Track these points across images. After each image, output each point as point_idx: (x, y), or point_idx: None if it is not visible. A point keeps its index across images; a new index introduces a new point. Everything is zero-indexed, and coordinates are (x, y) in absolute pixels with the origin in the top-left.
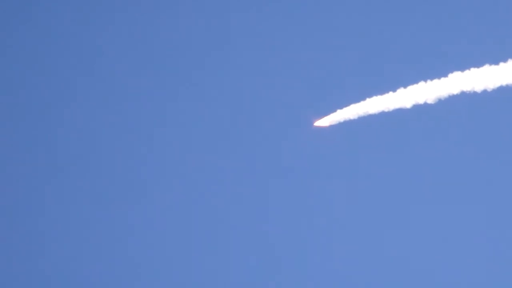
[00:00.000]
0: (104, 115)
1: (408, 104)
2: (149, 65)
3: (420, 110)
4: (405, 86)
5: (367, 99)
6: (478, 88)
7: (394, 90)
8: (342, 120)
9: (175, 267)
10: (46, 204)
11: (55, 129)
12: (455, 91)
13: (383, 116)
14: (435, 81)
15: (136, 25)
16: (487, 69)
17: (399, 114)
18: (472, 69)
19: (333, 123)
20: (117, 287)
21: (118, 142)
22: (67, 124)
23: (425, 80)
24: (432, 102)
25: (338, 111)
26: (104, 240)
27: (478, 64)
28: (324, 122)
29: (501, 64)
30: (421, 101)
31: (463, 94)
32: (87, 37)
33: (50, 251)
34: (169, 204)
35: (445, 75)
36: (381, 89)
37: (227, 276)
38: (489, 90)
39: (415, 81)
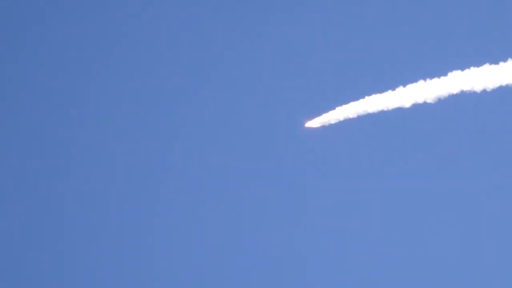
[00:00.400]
0: (106, 116)
1: (407, 104)
2: (145, 66)
3: (419, 109)
4: (404, 85)
5: (366, 97)
6: (478, 87)
7: (393, 89)
8: (332, 122)
9: (176, 267)
10: (50, 205)
11: (57, 131)
12: (455, 90)
13: (382, 115)
14: (435, 80)
15: (135, 26)
16: (487, 68)
17: (398, 113)
18: (472, 68)
19: (324, 124)
20: (122, 287)
21: (118, 144)
22: (71, 126)
23: (425, 79)
24: (432, 102)
25: (330, 112)
26: (109, 241)
27: (478, 63)
28: (315, 123)
29: (501, 63)
30: (420, 100)
31: (462, 94)
32: (89, 39)
33: (56, 251)
34: (162, 203)
35: (445, 74)
36: (380, 88)
37: (222, 275)
38: (488, 90)
39: (414, 80)
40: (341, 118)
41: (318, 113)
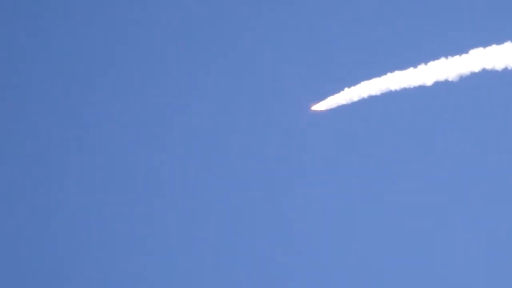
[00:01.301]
0: (104, 117)
1: (429, 81)
2: (140, 63)
3: (441, 87)
4: (426, 62)
5: (389, 74)
6: (499, 65)
7: (415, 66)
8: (337, 104)
9: (176, 267)
10: (52, 206)
11: (58, 132)
12: (476, 68)
13: (404, 93)
14: (456, 57)
15: (128, 25)
16: (508, 46)
17: (420, 91)
18: (494, 46)
19: (330, 107)
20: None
21: (116, 144)
22: (71, 127)
23: (446, 57)
24: (454, 80)
25: (332, 96)
26: (107, 242)
27: (500, 41)
28: (321, 106)
29: None
30: (442, 78)
31: (484, 72)
32: (88, 39)
33: (58, 252)
34: (168, 196)
35: (466, 51)
36: (402, 65)
37: (221, 272)
38: (510, 67)
39: (436, 57)
40: (350, 100)
41: (325, 95)
